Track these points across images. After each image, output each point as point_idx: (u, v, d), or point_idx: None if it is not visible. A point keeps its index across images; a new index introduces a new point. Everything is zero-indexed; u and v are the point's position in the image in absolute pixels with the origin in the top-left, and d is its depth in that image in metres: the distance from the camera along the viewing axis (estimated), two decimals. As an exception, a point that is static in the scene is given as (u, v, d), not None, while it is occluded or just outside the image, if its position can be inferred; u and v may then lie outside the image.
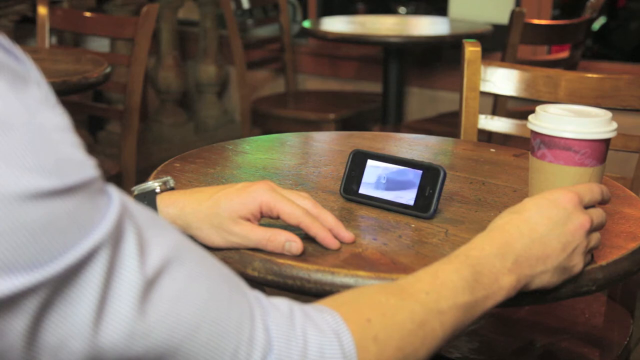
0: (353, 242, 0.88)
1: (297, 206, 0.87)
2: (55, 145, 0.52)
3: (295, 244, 0.85)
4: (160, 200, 0.90)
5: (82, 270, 0.52)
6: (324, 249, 0.86)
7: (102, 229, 0.53)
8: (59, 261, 0.50)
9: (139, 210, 0.58)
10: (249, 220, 0.86)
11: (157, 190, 0.91)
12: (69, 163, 0.52)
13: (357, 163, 1.02)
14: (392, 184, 0.99)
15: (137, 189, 0.92)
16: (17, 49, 0.55)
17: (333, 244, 0.87)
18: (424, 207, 0.96)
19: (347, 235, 0.88)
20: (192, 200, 0.89)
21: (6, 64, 0.51)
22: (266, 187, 0.87)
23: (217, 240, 0.87)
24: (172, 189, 0.93)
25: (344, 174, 1.02)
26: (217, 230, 0.86)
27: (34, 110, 0.51)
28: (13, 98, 0.50)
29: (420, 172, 0.97)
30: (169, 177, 0.94)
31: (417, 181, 0.97)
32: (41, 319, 0.52)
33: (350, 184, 1.01)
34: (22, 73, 0.53)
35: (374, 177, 1.00)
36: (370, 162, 1.01)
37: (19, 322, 0.51)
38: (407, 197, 0.97)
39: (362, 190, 1.00)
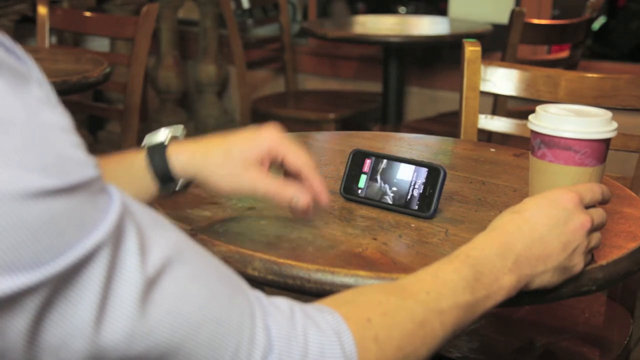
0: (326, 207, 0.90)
1: (303, 152, 0.89)
2: (56, 145, 0.52)
3: (302, 199, 0.86)
4: (170, 149, 0.91)
5: (83, 269, 0.52)
6: (324, 249, 0.86)
7: (103, 228, 0.53)
8: (60, 260, 0.50)
9: (140, 209, 0.59)
10: (258, 167, 0.88)
11: (165, 143, 0.92)
12: (69, 162, 0.52)
13: (357, 163, 1.02)
14: (392, 184, 0.99)
15: (147, 141, 0.93)
16: (18, 48, 0.55)
17: (324, 198, 0.88)
18: (424, 207, 0.96)
19: (326, 198, 0.90)
20: (202, 148, 0.90)
21: (7, 63, 0.51)
22: (274, 130, 0.90)
23: (226, 187, 0.89)
24: (180, 138, 0.95)
25: (344, 174, 1.02)
26: (228, 177, 0.88)
27: (35, 110, 0.51)
28: (13, 97, 0.50)
29: (421, 171, 0.97)
30: (180, 125, 0.95)
31: (418, 181, 0.97)
32: (42, 318, 0.52)
33: (350, 184, 1.01)
34: (23, 72, 0.53)
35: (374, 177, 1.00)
36: (370, 162, 1.01)
37: (19, 322, 0.51)
38: (407, 196, 0.97)
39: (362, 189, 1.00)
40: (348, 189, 1.01)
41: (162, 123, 3.75)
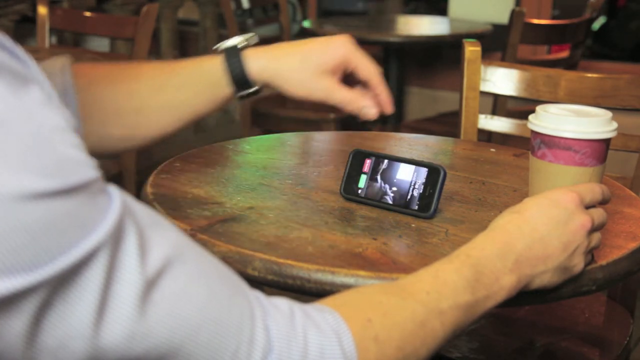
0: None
1: (373, 63, 0.95)
2: (56, 146, 0.52)
3: (372, 109, 0.93)
4: (246, 52, 0.95)
5: (82, 270, 0.52)
6: (324, 249, 0.86)
7: (102, 229, 0.53)
8: (58, 261, 0.50)
9: (141, 209, 0.58)
10: (332, 76, 0.94)
11: (239, 46, 0.96)
12: (69, 163, 0.52)
13: (357, 163, 1.02)
14: (392, 184, 0.99)
15: (220, 45, 0.97)
16: (19, 50, 0.55)
17: (389, 108, 0.96)
18: (424, 207, 0.96)
19: (391, 109, 0.97)
20: (278, 53, 0.95)
21: (7, 65, 0.51)
22: (347, 39, 0.95)
23: (300, 92, 0.94)
24: (254, 44, 0.99)
25: (344, 174, 1.02)
26: (303, 83, 0.93)
27: (34, 111, 0.51)
28: (12, 99, 0.50)
29: (421, 171, 0.97)
30: (253, 34, 0.99)
31: (418, 181, 0.97)
32: (41, 319, 0.51)
33: (350, 184, 1.01)
34: (23, 74, 0.52)
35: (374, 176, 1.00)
36: (370, 162, 1.01)
37: (17, 323, 0.51)
38: (407, 197, 0.97)
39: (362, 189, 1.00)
40: (348, 189, 1.01)
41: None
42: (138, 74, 1.02)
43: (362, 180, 1.01)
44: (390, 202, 0.98)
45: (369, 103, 0.94)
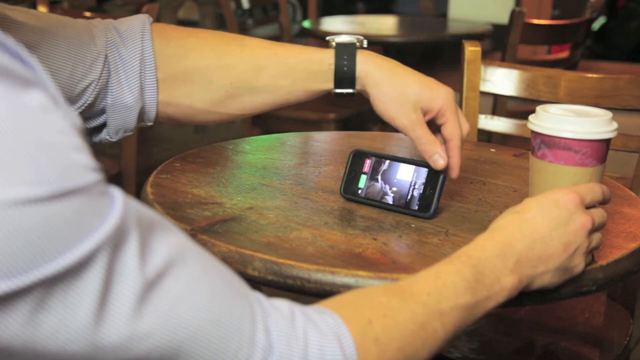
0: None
1: (462, 126, 0.97)
2: (55, 150, 0.51)
3: (441, 161, 0.94)
4: (360, 62, 0.97)
5: (81, 272, 0.52)
6: (324, 249, 0.86)
7: (102, 232, 0.52)
8: (54, 263, 0.50)
9: (143, 211, 0.58)
10: (422, 113, 0.95)
11: (357, 44, 0.98)
12: (68, 168, 0.51)
13: (357, 163, 1.02)
14: (392, 184, 0.99)
15: (334, 39, 0.98)
16: (24, 52, 0.55)
17: (455, 173, 0.97)
18: (424, 207, 0.96)
19: (456, 174, 0.97)
20: (388, 66, 0.97)
21: (9, 69, 0.51)
22: (452, 93, 0.97)
23: (388, 111, 0.96)
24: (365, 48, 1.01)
25: (344, 174, 1.02)
26: (396, 103, 0.95)
27: (34, 116, 0.51)
28: (11, 103, 0.50)
29: (421, 171, 0.97)
30: (361, 37, 1.00)
31: (418, 181, 0.97)
32: (39, 320, 0.51)
33: (351, 184, 1.01)
34: (26, 77, 0.52)
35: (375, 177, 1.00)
36: (370, 162, 1.01)
37: (13, 323, 0.51)
38: (408, 197, 0.97)
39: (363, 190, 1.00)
40: (348, 189, 1.01)
41: (162, 123, 3.74)
42: (240, 48, 1.00)
43: (362, 181, 1.01)
44: (391, 202, 0.98)
45: (443, 154, 0.94)
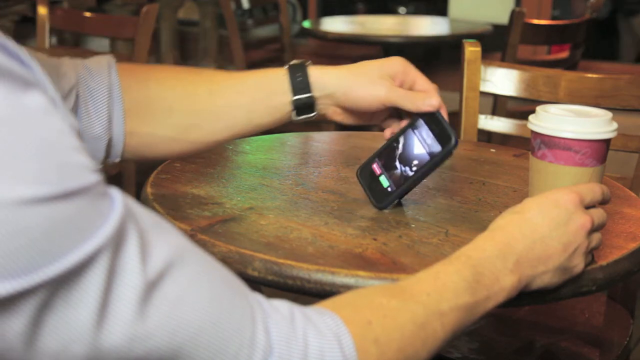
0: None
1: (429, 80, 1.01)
2: (56, 151, 0.51)
3: (434, 100, 0.97)
4: (312, 68, 1.01)
5: (83, 273, 0.52)
6: (324, 249, 0.86)
7: (103, 233, 0.52)
8: (57, 264, 0.50)
9: (142, 212, 0.58)
10: (391, 80, 1.00)
11: (307, 63, 1.02)
12: (69, 168, 0.52)
13: (368, 176, 1.01)
14: (408, 158, 0.98)
15: (289, 64, 1.02)
16: (22, 52, 0.55)
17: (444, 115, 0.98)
18: (445, 142, 0.95)
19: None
20: (344, 68, 1.01)
21: (7, 69, 0.51)
22: (402, 59, 1.02)
23: (362, 92, 1.00)
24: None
25: (366, 193, 1.00)
26: (365, 86, 0.99)
27: (34, 116, 0.51)
28: (11, 104, 0.50)
29: (418, 128, 0.98)
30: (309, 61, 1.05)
31: (423, 135, 0.97)
32: (41, 321, 0.51)
33: (378, 193, 0.99)
34: (25, 77, 0.52)
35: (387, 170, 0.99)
36: (376, 164, 1.00)
37: (17, 324, 0.51)
38: (427, 151, 0.96)
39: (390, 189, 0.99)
40: (380, 199, 0.99)
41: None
42: (198, 75, 1.03)
43: (384, 180, 0.99)
44: (418, 168, 0.97)
45: (428, 97, 0.98)
